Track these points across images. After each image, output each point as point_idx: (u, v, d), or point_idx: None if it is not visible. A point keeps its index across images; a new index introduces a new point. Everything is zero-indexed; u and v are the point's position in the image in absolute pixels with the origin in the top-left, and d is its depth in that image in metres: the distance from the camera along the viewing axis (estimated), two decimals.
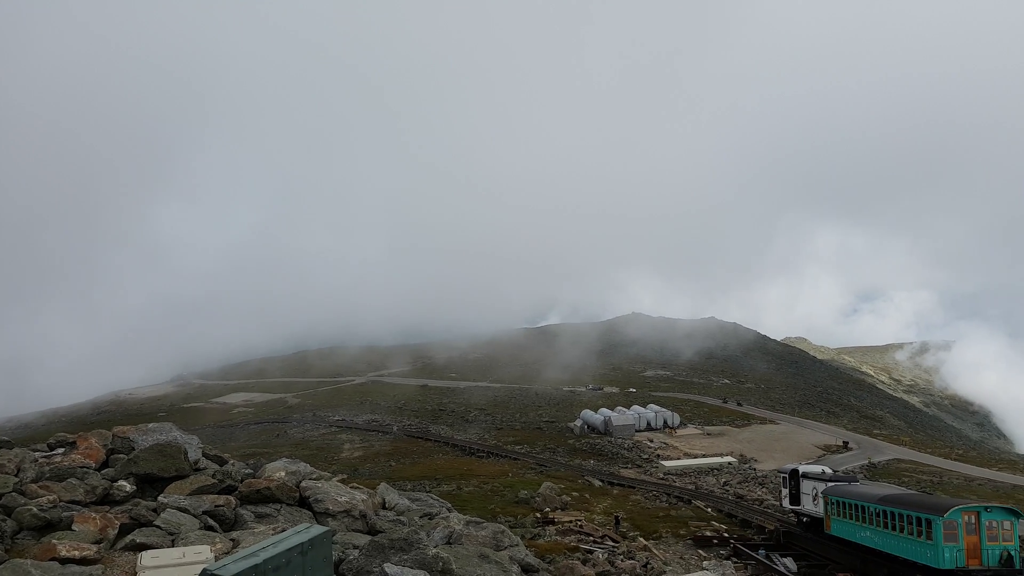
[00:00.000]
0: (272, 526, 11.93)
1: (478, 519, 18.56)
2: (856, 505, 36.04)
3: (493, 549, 14.55)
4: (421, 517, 16.86)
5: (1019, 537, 30.34)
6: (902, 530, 31.50)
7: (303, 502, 14.50)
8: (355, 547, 11.80)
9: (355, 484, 18.90)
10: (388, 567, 9.96)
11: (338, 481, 16.69)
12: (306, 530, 9.45)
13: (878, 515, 33.52)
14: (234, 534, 11.59)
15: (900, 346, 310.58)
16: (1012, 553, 29.19)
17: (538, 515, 47.75)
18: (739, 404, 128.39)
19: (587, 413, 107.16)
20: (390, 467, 71.41)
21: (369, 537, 12.25)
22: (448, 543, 14.00)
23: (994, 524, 29.47)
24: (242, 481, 14.65)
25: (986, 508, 30.04)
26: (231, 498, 13.42)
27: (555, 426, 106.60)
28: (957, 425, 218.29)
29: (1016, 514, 30.54)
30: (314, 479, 15.40)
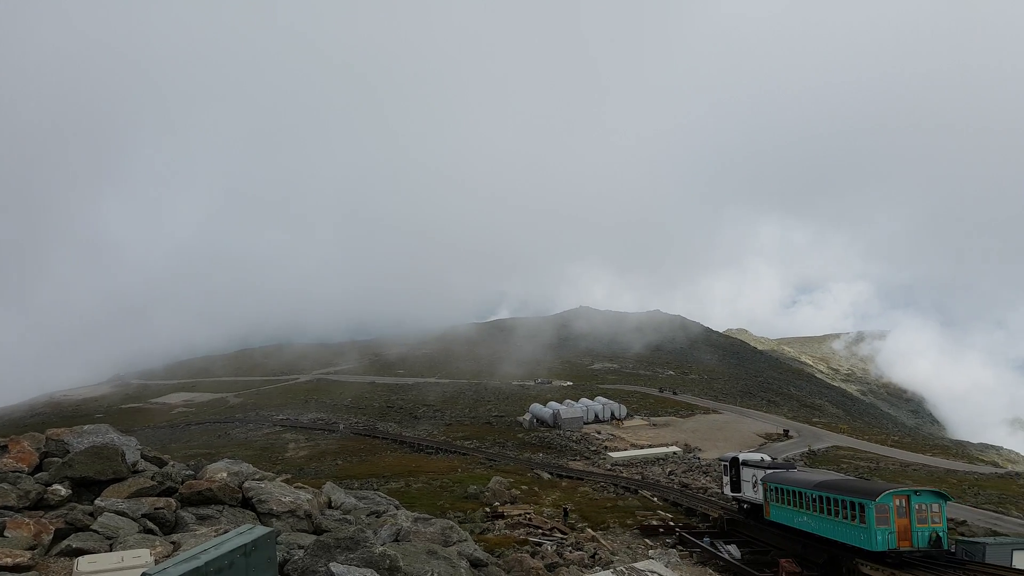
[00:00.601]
0: (214, 528, 11.71)
1: (426, 516, 18.55)
2: (793, 491, 37.12)
3: (441, 545, 14.57)
4: (368, 515, 16.76)
5: (947, 519, 31.76)
6: (837, 515, 32.61)
7: (246, 503, 14.26)
8: (300, 547, 11.67)
9: (300, 484, 18.67)
10: (334, 566, 9.90)
11: (282, 481, 16.45)
12: (249, 531, 9.31)
13: (814, 501, 34.62)
14: (175, 537, 11.34)
15: (837, 336, 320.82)
16: (940, 534, 30.53)
17: (487, 509, 47.87)
18: (674, 393, 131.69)
19: (536, 407, 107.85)
20: (337, 466, 70.61)
21: (315, 537, 12.13)
22: (396, 540, 13.97)
23: (923, 507, 30.73)
24: (183, 483, 14.32)
25: (916, 492, 31.27)
26: (171, 500, 13.11)
27: (504, 420, 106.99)
28: (893, 412, 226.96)
29: (944, 497, 31.93)
30: (257, 479, 15.14)
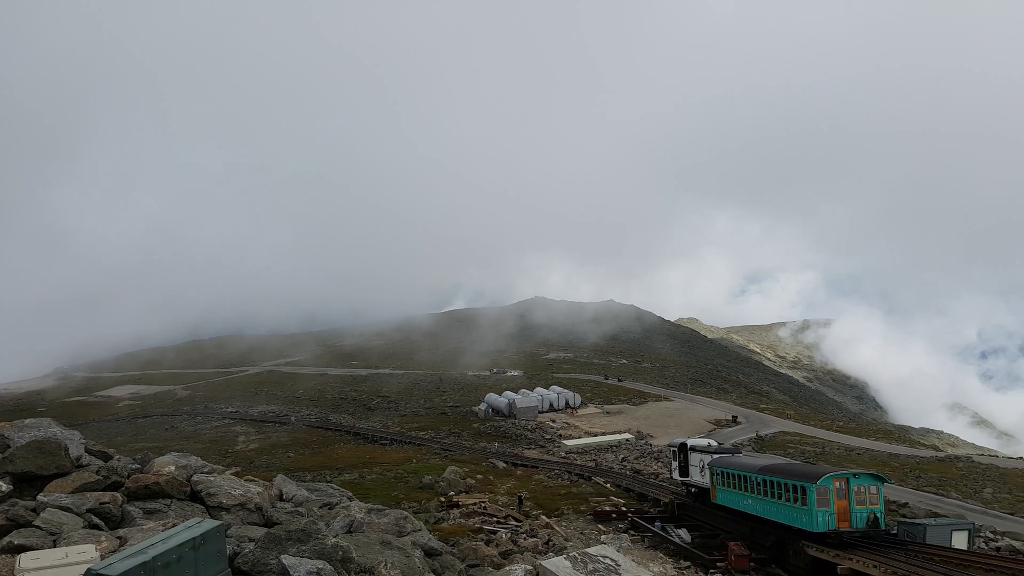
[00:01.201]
0: (162, 522, 11.54)
1: (380, 507, 18.54)
2: (739, 475, 38.17)
3: (396, 535, 14.61)
4: (320, 507, 16.69)
5: (884, 500, 33.07)
6: (780, 497, 33.66)
7: (195, 496, 14.06)
8: (251, 540, 11.58)
9: (250, 477, 18.45)
10: (285, 559, 9.86)
11: (232, 474, 16.26)
12: (198, 524, 9.22)
13: (759, 484, 35.68)
14: (121, 532, 11.14)
15: (783, 324, 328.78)
16: (878, 515, 31.82)
17: (442, 499, 47.98)
18: (619, 380, 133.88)
19: (491, 396, 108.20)
20: (288, 458, 69.79)
21: (266, 530, 12.05)
22: (349, 532, 13.96)
23: (862, 489, 31.97)
24: (129, 477, 14.04)
25: (854, 475, 32.47)
26: (117, 495, 12.86)
27: (460, 411, 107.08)
28: (838, 398, 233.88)
29: (881, 480, 33.22)
30: (206, 473, 14.94)
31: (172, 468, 14.79)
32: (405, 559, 12.31)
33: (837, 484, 31.56)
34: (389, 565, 11.64)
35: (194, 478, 14.58)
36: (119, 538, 10.70)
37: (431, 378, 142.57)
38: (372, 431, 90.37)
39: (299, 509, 15.66)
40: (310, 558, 10.22)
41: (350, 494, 19.70)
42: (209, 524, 9.37)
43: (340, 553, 10.61)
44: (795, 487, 32.45)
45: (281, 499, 16.92)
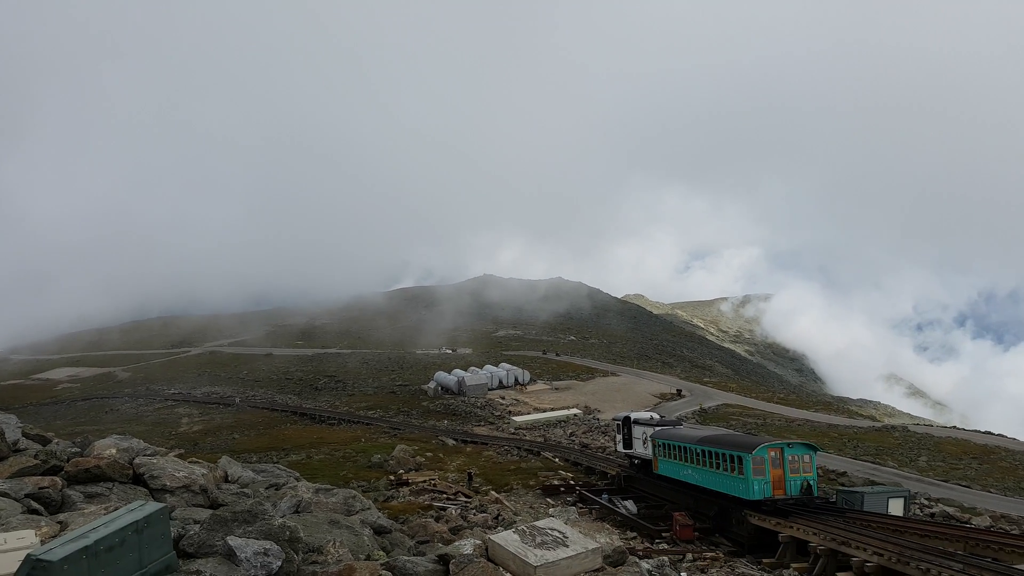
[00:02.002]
0: (104, 506, 11.34)
1: (328, 486, 18.54)
2: (679, 446, 39.33)
3: (344, 514, 14.65)
4: (267, 488, 16.58)
5: (816, 468, 34.50)
6: (718, 467, 34.85)
7: (138, 479, 13.83)
8: (196, 522, 11.49)
9: (195, 459, 18.22)
10: (232, 540, 9.83)
11: (175, 456, 16.03)
12: (140, 507, 9.11)
13: (698, 455, 36.85)
14: (62, 516, 10.92)
15: (725, 299, 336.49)
16: (811, 483, 33.26)
17: (392, 478, 48.05)
18: (557, 355, 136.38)
19: (441, 375, 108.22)
20: (233, 440, 68.73)
21: (211, 511, 11.97)
22: (296, 512, 13.94)
23: (795, 458, 33.32)
24: (68, 461, 13.71)
25: (788, 444, 33.79)
26: (57, 479, 12.56)
27: (409, 389, 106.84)
28: (778, 371, 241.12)
29: (813, 448, 34.65)
30: (149, 455, 14.69)
31: (113, 451, 14.50)
32: (354, 537, 12.38)
33: (772, 454, 32.79)
34: (338, 543, 11.70)
35: (136, 461, 14.33)
36: (60, 523, 10.50)
37: (379, 357, 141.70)
38: (319, 411, 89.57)
39: (245, 490, 15.55)
40: (257, 539, 10.21)
41: (297, 474, 19.62)
42: (152, 507, 9.27)
43: (288, 533, 10.62)
44: (732, 457, 33.57)
45: (227, 481, 16.76)
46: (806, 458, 33.58)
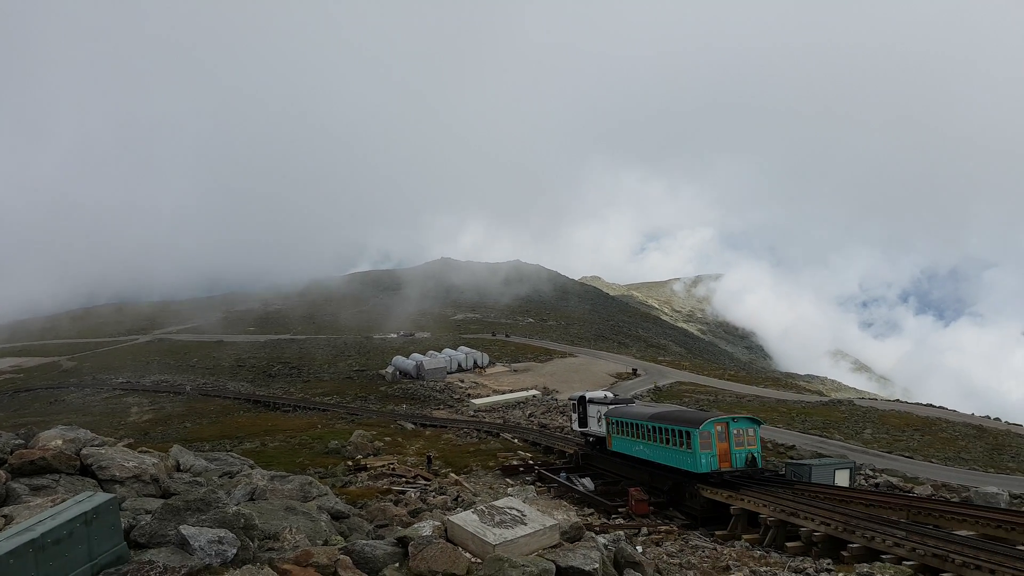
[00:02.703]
0: (51, 498, 11.03)
1: (284, 473, 18.35)
2: (631, 423, 40.33)
3: (300, 501, 14.53)
4: (221, 476, 16.34)
5: (760, 440, 35.60)
6: (668, 442, 35.83)
7: (85, 470, 13.47)
8: (147, 512, 11.27)
9: (145, 448, 17.83)
10: (184, 529, 9.67)
11: (124, 446, 15.65)
12: (89, 499, 8.89)
13: (649, 431, 37.80)
14: (6, 510, 10.59)
15: (678, 279, 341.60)
16: (755, 455, 34.41)
17: (349, 463, 47.76)
18: (507, 336, 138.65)
19: (399, 359, 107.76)
20: (185, 429, 67.52)
21: (162, 501, 11.74)
22: (251, 499, 13.79)
23: (741, 432, 34.45)
24: (12, 453, 13.28)
25: (733, 419, 34.91)
26: (0, 472, 12.19)
27: (366, 375, 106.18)
28: (729, 349, 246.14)
29: (757, 422, 35.81)
30: (97, 446, 14.31)
31: (59, 442, 14.10)
32: (311, 523, 12.30)
33: (718, 428, 33.87)
34: (294, 530, 11.62)
35: (84, 451, 13.95)
36: (4, 516, 10.19)
37: (336, 343, 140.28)
38: (274, 398, 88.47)
39: (198, 479, 15.29)
40: (211, 527, 10.06)
41: (251, 462, 19.36)
42: (101, 497, 9.06)
43: (242, 521, 10.48)
44: (681, 432, 34.57)
45: (178, 470, 16.45)
46: (750, 432, 34.73)
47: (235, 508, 10.91)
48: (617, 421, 42.25)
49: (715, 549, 25.72)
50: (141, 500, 12.42)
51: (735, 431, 34.14)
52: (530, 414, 75.66)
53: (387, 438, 58.52)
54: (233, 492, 13.52)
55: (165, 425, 70.70)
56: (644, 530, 29.89)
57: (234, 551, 9.76)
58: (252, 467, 18.16)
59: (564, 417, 70.76)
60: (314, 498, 15.23)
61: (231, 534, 9.93)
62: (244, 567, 9.57)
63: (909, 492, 36.36)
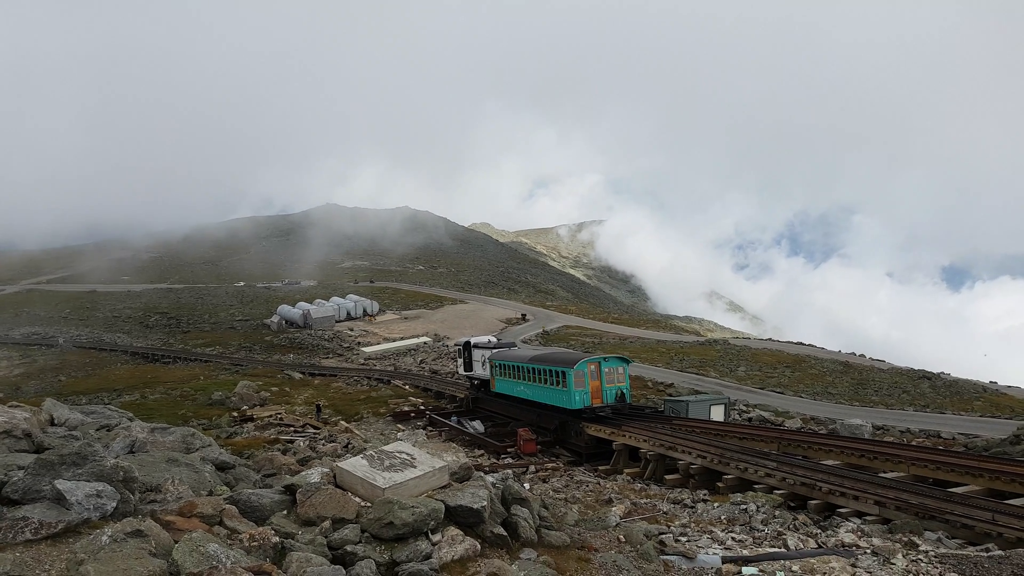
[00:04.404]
0: None
1: (165, 425, 17.84)
2: (512, 366, 42.10)
3: (183, 453, 14.27)
4: (98, 430, 15.72)
5: (629, 378, 37.71)
6: (546, 382, 37.64)
7: None
8: (20, 468, 10.84)
9: (16, 403, 16.88)
10: (60, 483, 9.39)
11: None
12: None
13: (529, 372, 39.47)
14: None
15: (563, 225, 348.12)
16: (624, 391, 36.70)
17: (235, 414, 46.72)
18: (371, 282, 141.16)
19: (284, 308, 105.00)
20: (59, 382, 63.82)
21: (36, 456, 11.30)
22: (131, 452, 13.42)
23: (611, 370, 36.61)
24: None
25: (605, 359, 37.10)
26: None
27: (250, 324, 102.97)
28: (613, 293, 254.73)
29: (626, 361, 38.13)
30: None
31: None
32: (195, 474, 12.15)
33: (591, 367, 35.82)
34: (177, 481, 11.47)
35: None
36: None
37: (217, 292, 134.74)
38: (152, 350, 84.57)
39: (74, 433, 14.68)
40: (88, 481, 9.81)
41: (131, 415, 18.66)
42: None
43: (122, 473, 10.26)
44: (557, 372, 36.39)
45: (52, 424, 15.70)
46: (620, 370, 36.94)
47: (113, 461, 10.66)
48: (500, 364, 43.92)
49: (599, 483, 27.05)
50: (13, 456, 11.85)
51: (606, 369, 36.23)
52: (421, 361, 76.11)
53: (274, 388, 57.48)
54: (111, 445, 13.10)
55: (38, 379, 66.62)
56: (532, 468, 31.10)
57: (114, 504, 9.59)
58: (131, 420, 17.54)
59: (455, 363, 71.71)
60: (197, 449, 14.97)
61: (110, 487, 9.74)
62: (125, 520, 9.43)
63: (780, 425, 38.19)
